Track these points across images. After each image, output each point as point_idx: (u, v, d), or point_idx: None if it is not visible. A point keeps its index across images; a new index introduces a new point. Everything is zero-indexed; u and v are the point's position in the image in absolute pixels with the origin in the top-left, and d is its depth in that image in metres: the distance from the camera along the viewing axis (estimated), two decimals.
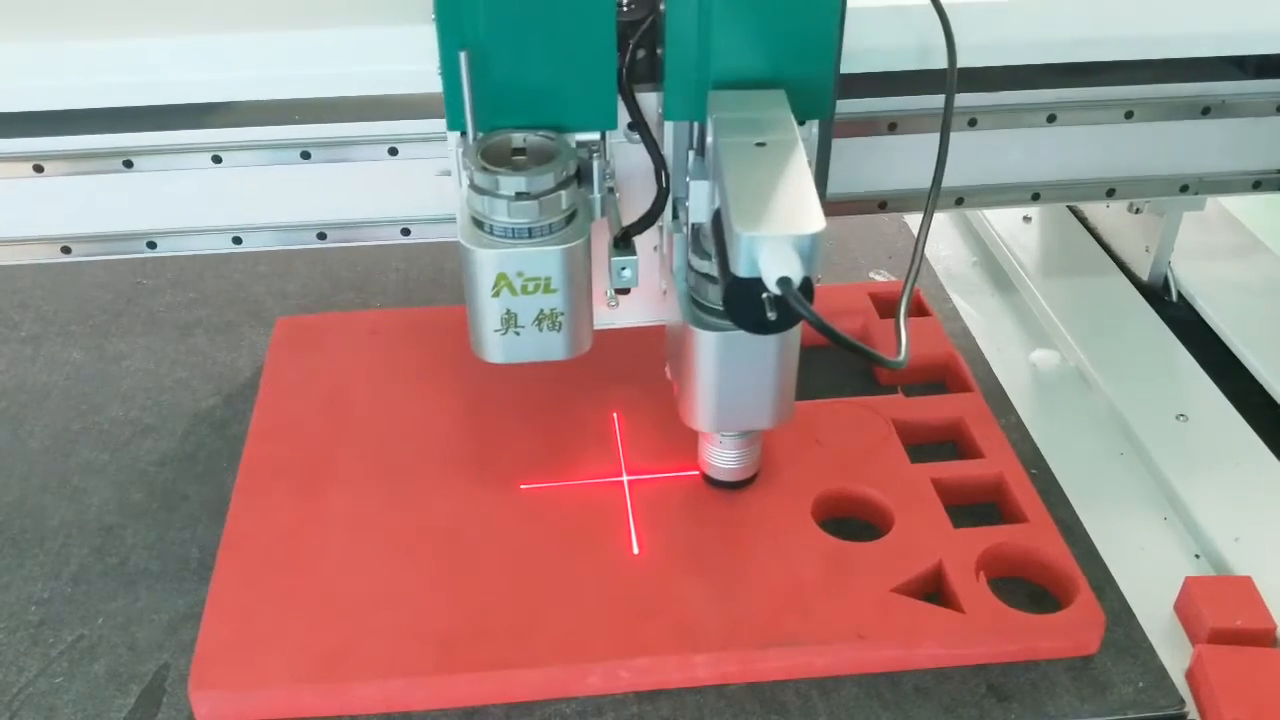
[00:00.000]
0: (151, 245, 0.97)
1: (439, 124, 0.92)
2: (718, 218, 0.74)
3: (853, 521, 0.91)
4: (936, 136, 0.94)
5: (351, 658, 0.79)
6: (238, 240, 0.97)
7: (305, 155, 0.93)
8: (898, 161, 0.98)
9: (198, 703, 0.78)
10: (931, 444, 0.98)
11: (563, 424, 0.98)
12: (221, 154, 0.92)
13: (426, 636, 0.81)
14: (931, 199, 0.84)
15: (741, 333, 0.74)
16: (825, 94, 0.79)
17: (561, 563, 0.86)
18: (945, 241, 1.31)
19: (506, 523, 0.89)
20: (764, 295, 0.66)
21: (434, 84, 0.85)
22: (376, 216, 0.97)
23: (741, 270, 0.66)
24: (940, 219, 1.31)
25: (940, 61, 0.85)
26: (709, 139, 0.76)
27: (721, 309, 0.78)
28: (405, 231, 0.97)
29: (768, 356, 0.80)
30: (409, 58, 0.85)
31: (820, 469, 0.93)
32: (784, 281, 0.64)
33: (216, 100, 0.90)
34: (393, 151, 0.93)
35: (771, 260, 0.64)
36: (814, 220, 0.66)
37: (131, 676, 0.81)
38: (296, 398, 1.02)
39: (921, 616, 0.82)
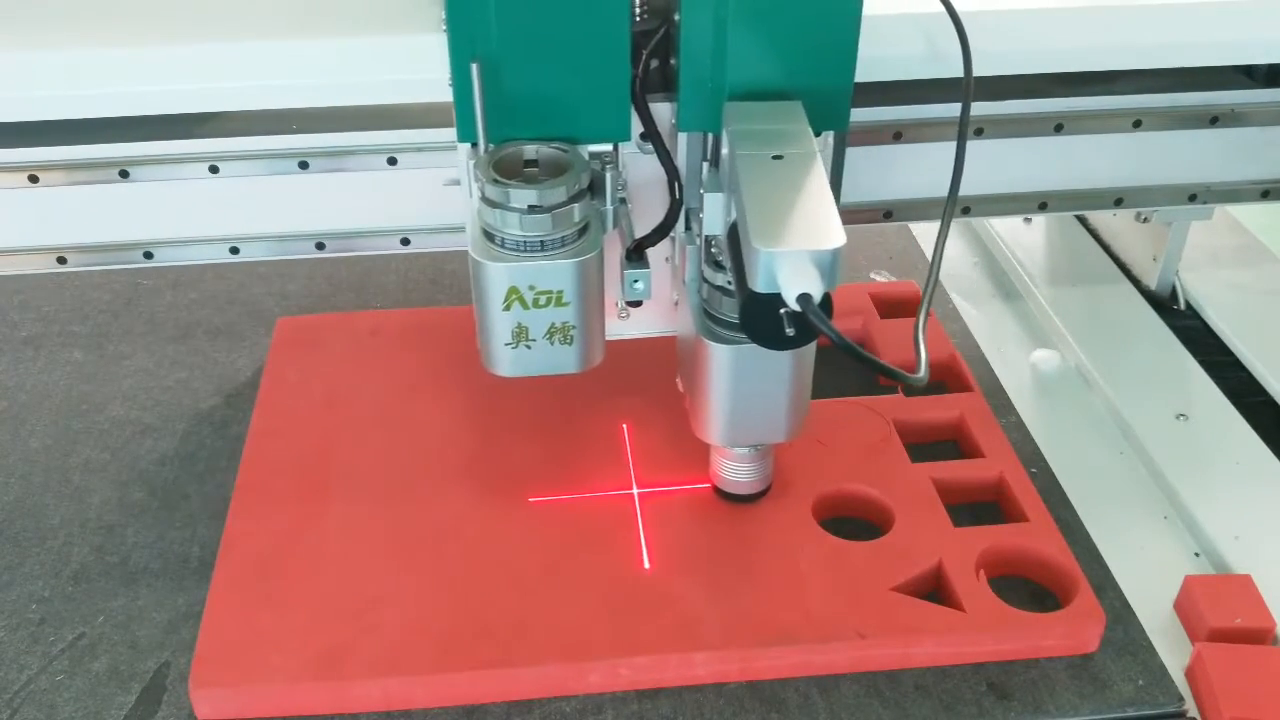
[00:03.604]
0: (148, 255, 0.96)
1: (438, 134, 0.92)
2: (734, 231, 0.73)
3: (853, 521, 0.91)
4: (942, 145, 0.94)
5: (351, 656, 0.79)
6: (235, 250, 0.96)
7: (303, 165, 0.93)
8: (903, 170, 0.98)
9: (198, 701, 0.78)
10: (932, 444, 0.99)
11: (569, 434, 0.98)
12: (219, 164, 0.92)
13: (426, 635, 0.81)
14: (948, 210, 0.83)
15: (755, 345, 0.73)
16: (843, 105, 0.78)
17: (567, 569, 0.86)
18: (946, 242, 1.31)
19: (506, 525, 0.89)
20: (782, 311, 0.65)
21: (433, 93, 0.85)
22: (375, 226, 0.97)
23: (760, 286, 0.65)
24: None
25: (946, 70, 0.85)
26: (724, 151, 0.75)
27: (736, 322, 0.77)
28: (405, 241, 0.97)
29: (782, 370, 0.79)
30: (408, 67, 0.84)
31: (820, 469, 0.93)
32: (804, 298, 0.63)
33: (213, 110, 0.90)
34: (392, 161, 0.93)
35: (791, 276, 0.63)
36: (834, 235, 0.65)
37: (132, 674, 0.81)
38: (296, 398, 1.02)
39: (921, 615, 0.82)
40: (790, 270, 0.63)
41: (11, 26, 0.88)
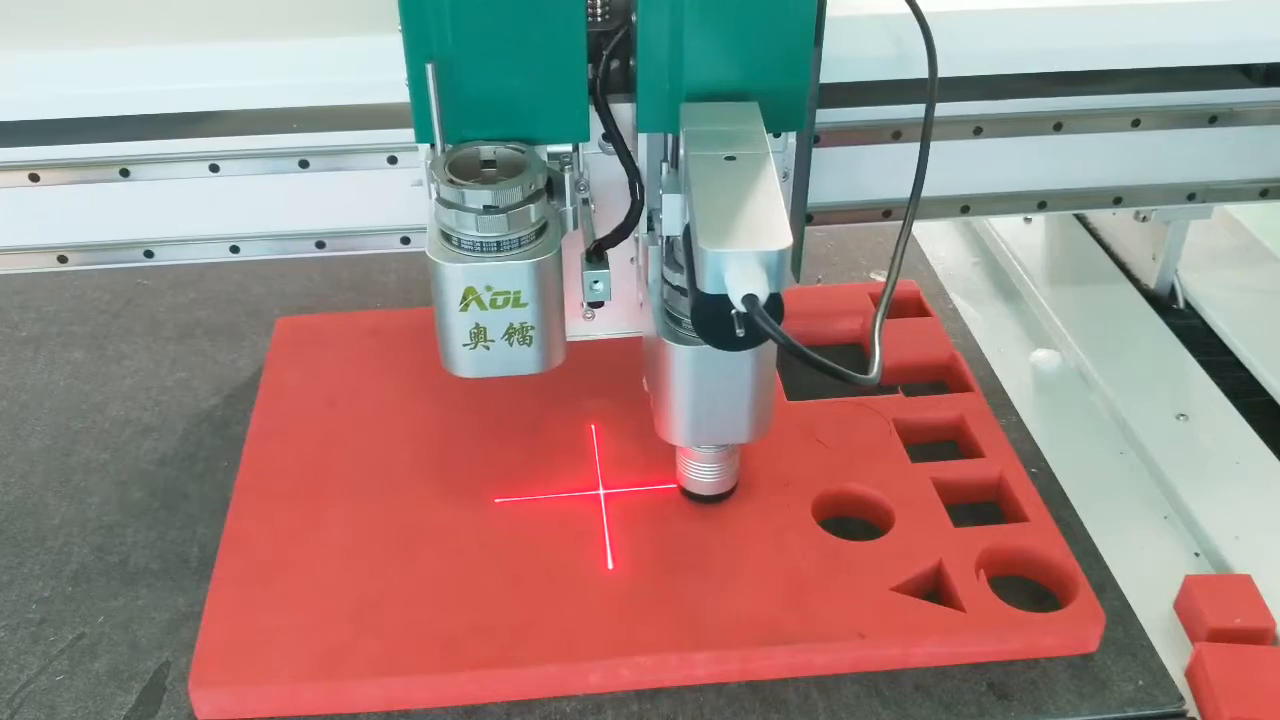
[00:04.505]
0: (149, 254, 0.96)
1: None
2: (689, 232, 0.73)
3: (853, 521, 0.91)
4: (942, 145, 0.94)
5: (352, 656, 0.79)
6: (235, 249, 0.97)
7: (303, 164, 0.93)
8: (903, 170, 0.97)
9: (198, 701, 0.78)
10: (932, 444, 0.99)
11: (572, 432, 0.98)
12: (219, 163, 0.92)
13: (427, 634, 0.81)
14: (910, 212, 0.83)
15: None
16: (800, 106, 0.78)
17: (567, 569, 0.86)
18: (946, 242, 1.31)
19: (507, 524, 0.89)
20: (732, 312, 0.65)
21: None
22: (375, 225, 0.97)
23: (708, 287, 0.65)
24: (941, 220, 1.31)
25: (946, 69, 0.85)
26: (681, 151, 0.75)
27: None
28: (405, 240, 0.97)
29: (743, 370, 0.79)
30: None
31: (820, 469, 0.93)
32: (750, 299, 0.63)
33: (214, 109, 0.90)
34: (392, 160, 0.93)
35: (738, 277, 0.63)
36: (781, 237, 0.64)
37: (132, 674, 0.81)
38: (296, 398, 1.02)
39: (921, 615, 0.82)
40: (737, 271, 0.63)
41: (11, 26, 0.88)
